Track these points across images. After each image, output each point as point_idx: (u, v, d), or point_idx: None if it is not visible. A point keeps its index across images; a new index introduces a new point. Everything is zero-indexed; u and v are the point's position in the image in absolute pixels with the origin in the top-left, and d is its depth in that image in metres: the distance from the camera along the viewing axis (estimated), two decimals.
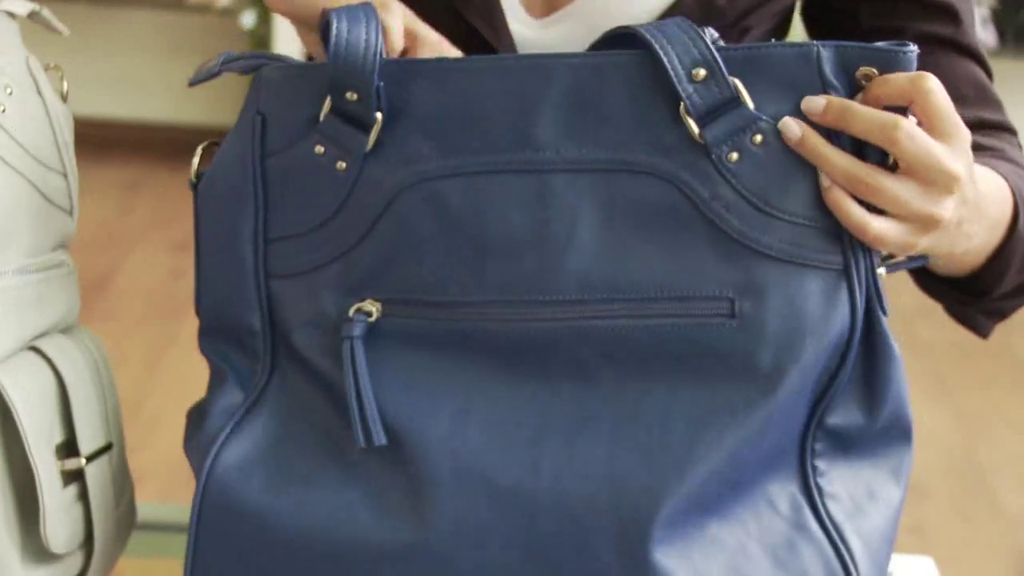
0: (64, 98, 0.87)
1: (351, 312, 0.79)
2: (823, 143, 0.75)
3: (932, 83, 0.75)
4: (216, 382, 0.84)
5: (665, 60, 0.76)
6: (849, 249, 0.77)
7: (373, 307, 0.79)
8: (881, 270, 0.78)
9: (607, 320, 0.77)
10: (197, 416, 0.84)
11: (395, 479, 0.78)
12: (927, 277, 0.89)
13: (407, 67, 0.79)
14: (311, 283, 0.81)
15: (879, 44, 0.76)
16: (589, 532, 0.75)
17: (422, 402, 0.78)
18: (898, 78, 0.75)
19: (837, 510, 0.79)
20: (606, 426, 0.76)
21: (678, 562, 0.75)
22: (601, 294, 0.77)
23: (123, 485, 0.89)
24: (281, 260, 0.81)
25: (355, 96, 0.78)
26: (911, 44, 0.76)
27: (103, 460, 0.85)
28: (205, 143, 0.84)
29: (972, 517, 2.22)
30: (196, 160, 0.83)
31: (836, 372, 0.77)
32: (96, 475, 0.84)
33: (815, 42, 0.77)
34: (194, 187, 0.83)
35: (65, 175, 0.85)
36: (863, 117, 0.75)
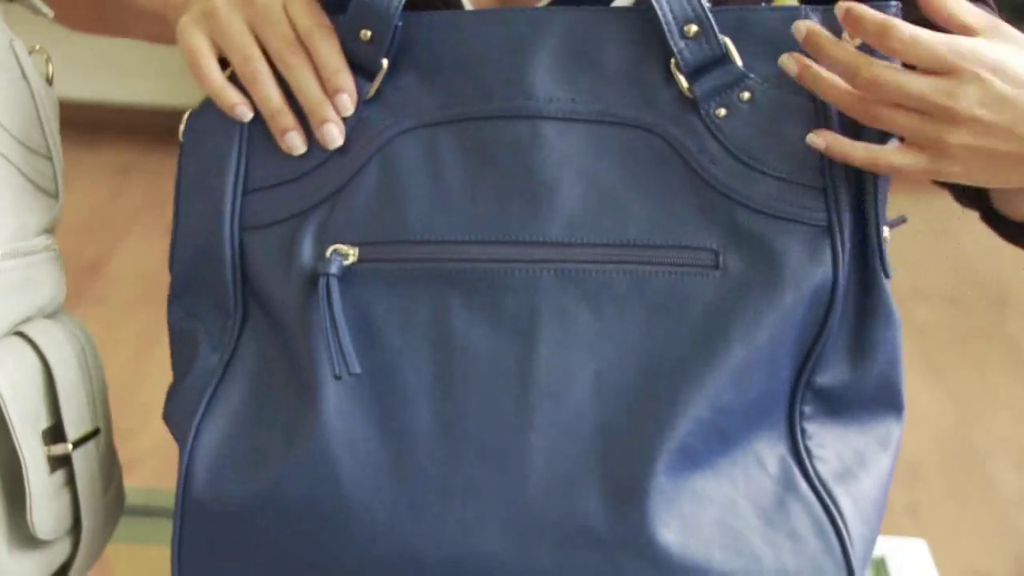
0: (49, 81, 0.86)
1: (328, 252, 0.79)
2: (820, 68, 0.76)
3: (897, 31, 0.73)
4: (188, 349, 0.83)
5: (660, 13, 0.78)
6: (833, 207, 0.78)
7: (351, 251, 0.79)
8: (885, 231, 0.79)
9: (592, 264, 0.77)
10: (172, 387, 0.84)
11: (373, 433, 0.77)
12: (1002, 223, 0.86)
13: (407, 18, 0.80)
14: (288, 232, 0.81)
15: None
16: (581, 488, 0.75)
17: (402, 352, 0.78)
18: (866, 19, 0.74)
19: (826, 472, 0.79)
20: (589, 376, 0.76)
21: (669, 515, 0.75)
22: (587, 238, 0.78)
23: (111, 470, 0.88)
24: (257, 211, 0.81)
25: (369, 35, 0.79)
26: (893, 2, 0.78)
27: (90, 445, 0.84)
28: (191, 109, 0.84)
29: (966, 499, 2.22)
30: (184, 125, 0.84)
31: (820, 329, 0.78)
32: (83, 460, 0.83)
33: (803, 6, 0.79)
34: (183, 146, 0.83)
35: (51, 158, 0.84)
36: (833, 52, 0.75)
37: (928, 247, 2.91)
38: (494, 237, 0.78)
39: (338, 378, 0.77)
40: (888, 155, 0.76)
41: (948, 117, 0.74)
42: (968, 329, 2.76)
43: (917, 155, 0.76)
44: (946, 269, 2.96)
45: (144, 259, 2.89)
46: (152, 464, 2.17)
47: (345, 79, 0.79)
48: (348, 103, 0.80)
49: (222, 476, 0.79)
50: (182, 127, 0.84)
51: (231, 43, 0.80)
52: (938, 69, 0.74)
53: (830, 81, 0.76)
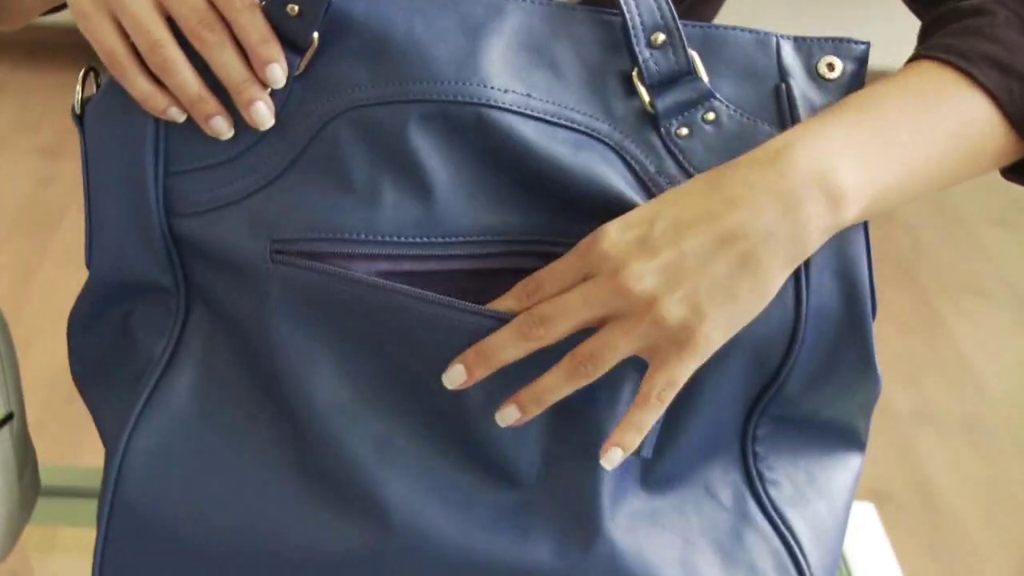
0: None
1: (270, 248, 0.72)
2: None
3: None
4: (120, 338, 0.77)
5: (628, 17, 0.72)
6: None
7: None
8: None
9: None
10: (97, 369, 0.78)
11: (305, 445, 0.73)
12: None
13: None
14: (225, 219, 0.73)
15: (836, 36, 0.74)
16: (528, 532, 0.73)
17: (343, 367, 0.73)
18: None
19: (780, 497, 0.77)
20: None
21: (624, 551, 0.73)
22: (539, 246, 0.73)
23: (26, 455, 0.84)
24: (184, 196, 0.74)
25: (296, 9, 0.71)
26: (865, 41, 0.74)
27: (4, 431, 0.80)
28: (85, 67, 0.76)
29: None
30: (79, 88, 0.75)
31: (779, 367, 0.75)
32: None
33: (772, 33, 0.75)
34: (79, 120, 0.75)
35: None
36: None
37: None
38: (457, 237, 0.72)
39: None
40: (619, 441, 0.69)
41: (644, 308, 0.68)
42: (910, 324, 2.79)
43: (648, 404, 0.69)
44: None
45: (18, 183, 2.79)
46: (36, 399, 2.10)
47: (274, 49, 0.71)
48: (279, 74, 0.72)
49: (160, 479, 0.74)
50: (77, 108, 0.75)
51: (135, 25, 0.71)
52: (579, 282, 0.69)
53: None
